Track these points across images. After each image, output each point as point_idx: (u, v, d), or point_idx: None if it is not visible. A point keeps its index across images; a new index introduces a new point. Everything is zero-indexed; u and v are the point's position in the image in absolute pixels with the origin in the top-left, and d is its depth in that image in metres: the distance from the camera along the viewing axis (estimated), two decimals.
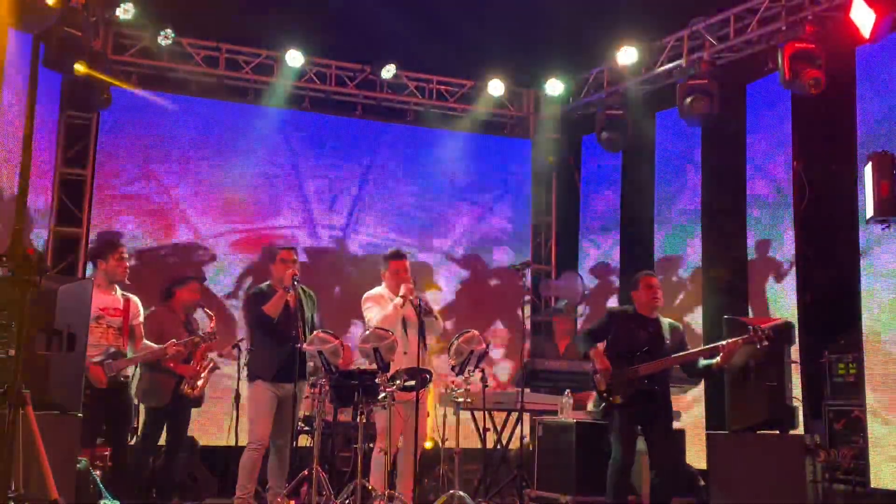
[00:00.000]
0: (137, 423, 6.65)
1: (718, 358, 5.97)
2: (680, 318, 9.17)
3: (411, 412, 5.92)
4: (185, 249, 9.34)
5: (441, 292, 10.19)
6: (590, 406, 7.52)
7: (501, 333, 10.34)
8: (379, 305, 6.26)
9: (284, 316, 6.30)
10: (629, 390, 6.01)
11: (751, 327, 5.92)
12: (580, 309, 10.19)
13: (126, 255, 6.22)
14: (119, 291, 6.19)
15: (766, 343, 5.86)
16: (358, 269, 9.76)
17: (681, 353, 6.06)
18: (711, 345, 6.12)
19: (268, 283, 6.51)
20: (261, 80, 9.65)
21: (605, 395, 6.10)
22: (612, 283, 10.07)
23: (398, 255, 6.51)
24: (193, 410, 6.81)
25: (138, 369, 6.48)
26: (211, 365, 6.69)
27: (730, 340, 5.93)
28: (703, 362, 6.10)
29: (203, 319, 7.05)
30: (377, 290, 6.43)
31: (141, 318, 6.29)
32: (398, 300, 6.19)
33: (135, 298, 6.29)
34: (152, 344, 6.29)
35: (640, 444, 6.21)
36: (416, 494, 6.13)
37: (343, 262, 9.90)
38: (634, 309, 6.26)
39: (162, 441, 6.76)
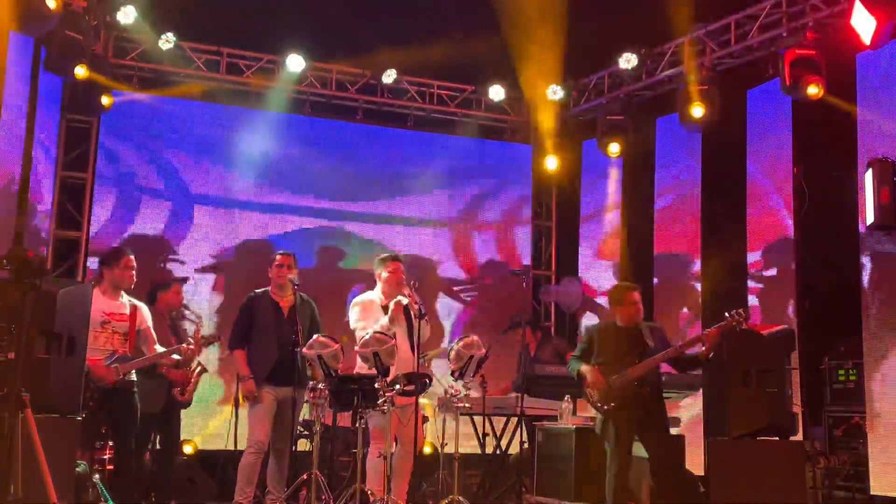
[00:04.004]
0: None
1: (703, 348, 5.99)
2: (679, 325, 9.19)
3: (408, 416, 5.90)
4: (184, 252, 9.33)
5: (439, 298, 10.19)
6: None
7: (500, 338, 10.30)
8: (367, 312, 6.19)
9: (279, 320, 6.31)
10: (622, 396, 6.02)
11: (727, 313, 5.94)
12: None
13: (133, 264, 6.22)
14: (125, 297, 6.19)
15: (744, 323, 5.90)
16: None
17: (666, 351, 6.06)
18: (694, 336, 6.13)
19: (265, 288, 6.50)
20: (262, 85, 9.64)
21: (599, 405, 6.11)
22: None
23: (395, 258, 6.49)
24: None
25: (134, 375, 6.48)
26: (199, 368, 6.74)
27: (710, 328, 5.97)
28: (689, 354, 6.12)
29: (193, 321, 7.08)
30: (367, 295, 6.36)
31: (149, 324, 6.28)
32: (386, 317, 6.06)
33: (141, 305, 6.29)
34: (163, 348, 6.31)
35: (638, 450, 6.20)
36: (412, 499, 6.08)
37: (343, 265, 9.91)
38: (615, 322, 6.26)
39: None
